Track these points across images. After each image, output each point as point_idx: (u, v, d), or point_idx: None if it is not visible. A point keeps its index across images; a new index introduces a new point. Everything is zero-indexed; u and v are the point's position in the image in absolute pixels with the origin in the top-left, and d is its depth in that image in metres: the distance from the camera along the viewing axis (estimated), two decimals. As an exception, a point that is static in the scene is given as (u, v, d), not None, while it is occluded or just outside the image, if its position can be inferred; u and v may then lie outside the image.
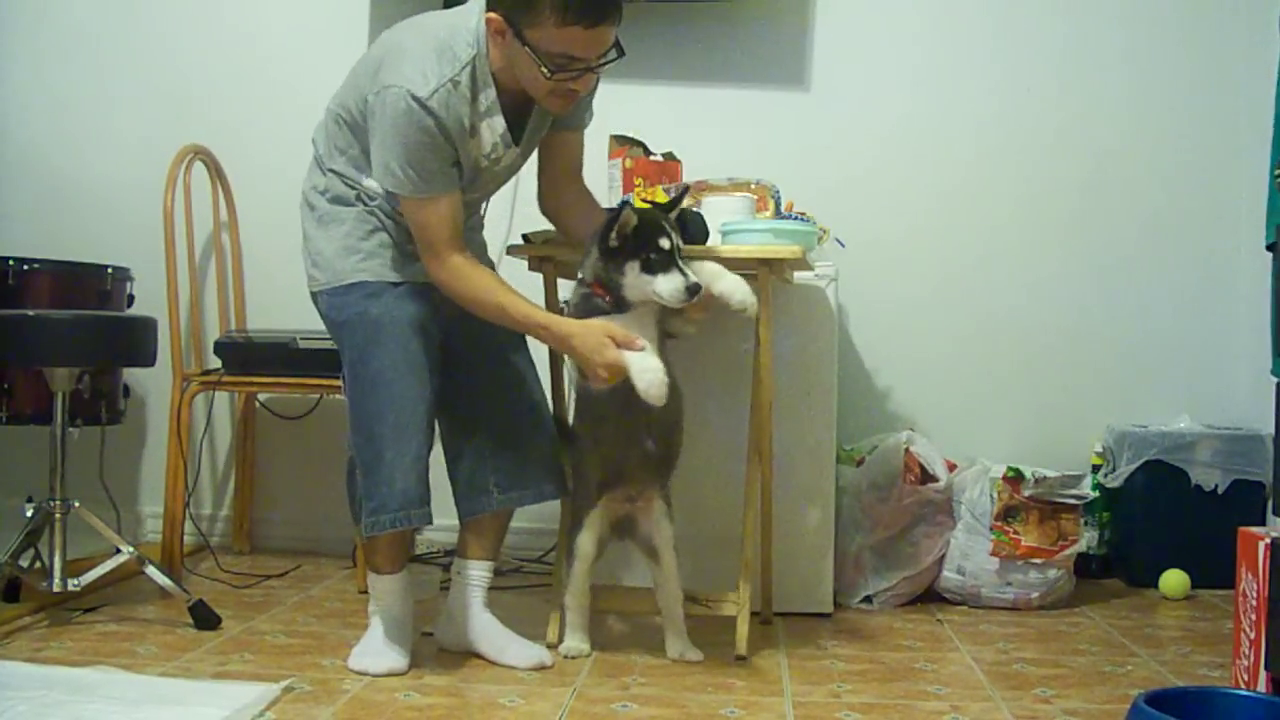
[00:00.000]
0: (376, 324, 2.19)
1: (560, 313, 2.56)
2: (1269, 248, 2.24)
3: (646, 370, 2.10)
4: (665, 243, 2.13)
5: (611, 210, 2.23)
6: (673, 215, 2.23)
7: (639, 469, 2.29)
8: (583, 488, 2.35)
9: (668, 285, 2.13)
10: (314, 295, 2.29)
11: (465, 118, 2.11)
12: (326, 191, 2.26)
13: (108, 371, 2.97)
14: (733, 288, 2.20)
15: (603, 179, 2.75)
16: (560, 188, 2.37)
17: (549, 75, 2.05)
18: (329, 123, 2.25)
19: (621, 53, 2.11)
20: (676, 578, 2.36)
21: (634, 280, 2.15)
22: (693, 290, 2.12)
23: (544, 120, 2.28)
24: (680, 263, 2.14)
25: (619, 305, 2.19)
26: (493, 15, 2.05)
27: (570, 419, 2.48)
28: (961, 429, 3.27)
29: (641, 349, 2.12)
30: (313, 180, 2.30)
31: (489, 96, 2.14)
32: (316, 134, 2.30)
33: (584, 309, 2.22)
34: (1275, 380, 2.30)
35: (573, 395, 2.46)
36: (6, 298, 2.86)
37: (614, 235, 2.15)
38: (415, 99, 2.03)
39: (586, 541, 2.33)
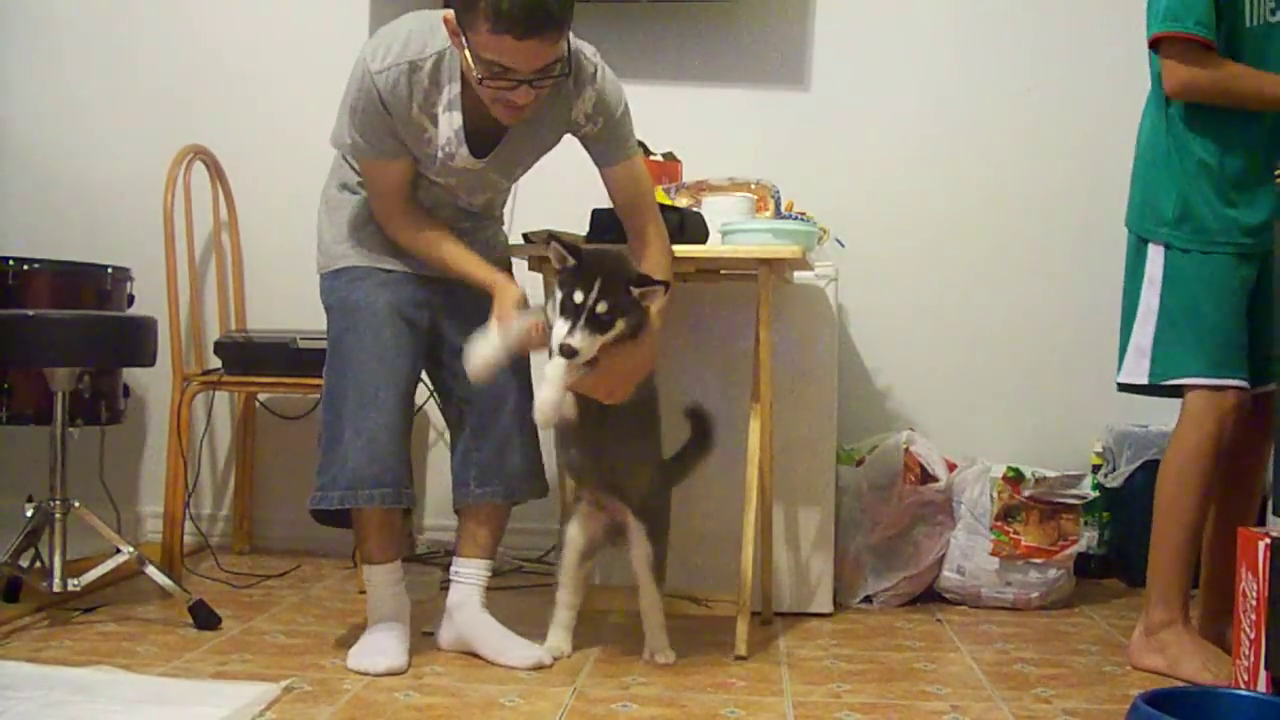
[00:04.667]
0: (355, 308, 2.26)
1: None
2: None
3: (474, 344, 2.15)
4: (578, 297, 2.07)
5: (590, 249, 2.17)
6: (642, 290, 2.12)
7: (582, 473, 2.32)
8: (572, 477, 2.39)
9: (555, 333, 2.09)
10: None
11: (416, 103, 2.15)
12: (337, 179, 2.34)
13: (108, 371, 2.96)
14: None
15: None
16: (625, 221, 2.35)
17: (480, 80, 2.05)
18: None
19: (566, 71, 2.10)
20: (654, 595, 2.34)
21: (552, 309, 2.14)
22: (564, 351, 2.05)
23: (528, 141, 2.27)
24: (582, 322, 2.06)
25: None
26: (448, 15, 2.07)
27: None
28: (961, 429, 3.27)
29: (503, 324, 2.16)
30: (331, 169, 2.38)
31: (453, 91, 2.16)
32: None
33: None
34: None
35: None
36: (6, 298, 2.86)
37: (553, 260, 2.14)
38: (367, 68, 2.13)
39: (573, 530, 2.36)
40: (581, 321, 2.07)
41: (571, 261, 2.11)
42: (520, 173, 2.36)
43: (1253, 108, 2.23)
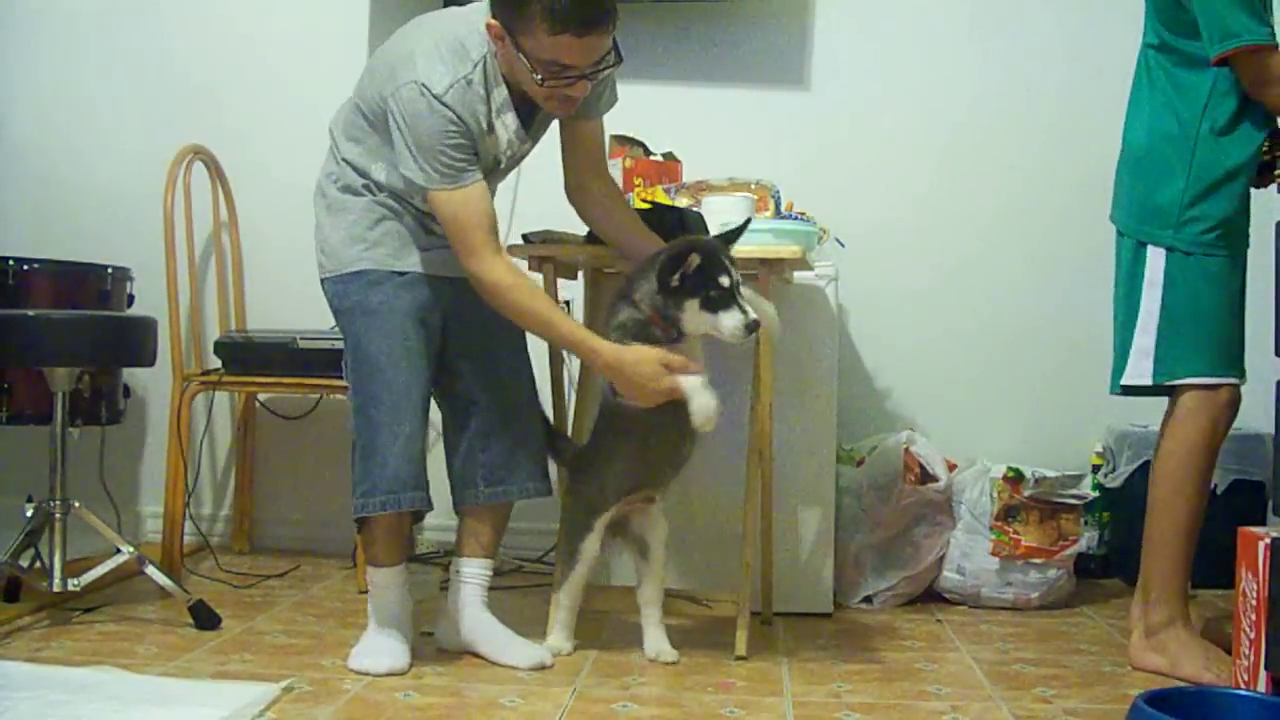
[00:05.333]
0: (375, 312, 2.24)
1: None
2: None
3: (703, 400, 2.14)
4: (725, 280, 2.11)
5: (673, 246, 2.18)
6: (730, 246, 2.20)
7: (669, 471, 2.33)
8: (598, 494, 2.32)
9: (729, 323, 2.12)
10: (322, 281, 2.32)
11: (481, 116, 2.15)
12: (338, 180, 2.30)
13: (108, 371, 2.96)
14: (768, 319, 2.27)
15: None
16: (582, 178, 2.37)
17: (540, 83, 2.07)
18: (348, 111, 2.28)
19: (619, 59, 2.13)
20: (663, 575, 2.37)
21: (693, 316, 2.14)
22: (751, 327, 2.12)
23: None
24: (739, 298, 2.13)
25: (676, 336, 2.20)
26: (492, 22, 2.08)
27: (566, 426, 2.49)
28: (961, 429, 3.26)
29: (698, 373, 2.16)
30: (327, 168, 2.34)
31: (501, 94, 2.17)
32: (333, 122, 2.33)
33: (638, 335, 2.20)
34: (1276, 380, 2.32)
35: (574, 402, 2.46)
36: (6, 298, 2.86)
37: (677, 276, 2.13)
38: (431, 94, 2.07)
39: (594, 544, 2.33)
40: (740, 298, 2.13)
41: (699, 261, 2.12)
42: (544, 133, 2.37)
43: None
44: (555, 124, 2.34)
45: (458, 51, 2.12)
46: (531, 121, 2.26)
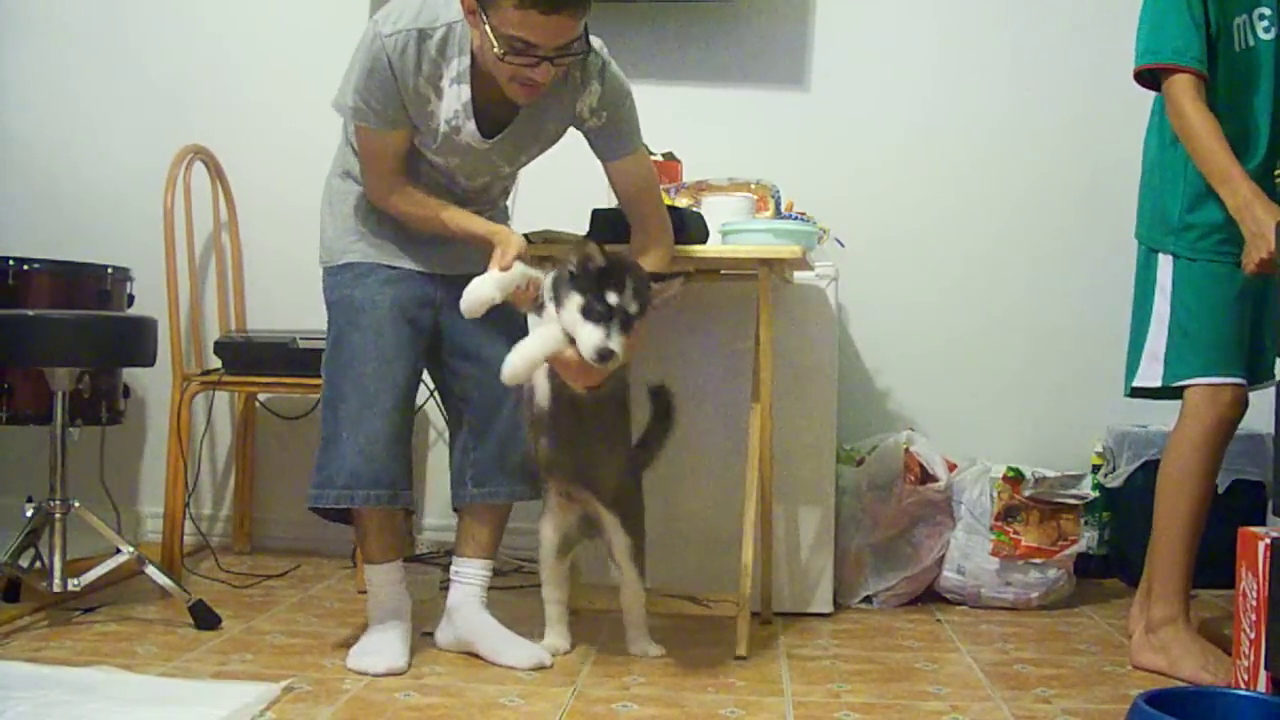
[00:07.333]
0: (358, 308, 2.25)
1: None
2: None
3: (474, 283, 2.11)
4: (613, 299, 2.05)
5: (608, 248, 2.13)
6: (660, 285, 2.13)
7: (548, 465, 2.31)
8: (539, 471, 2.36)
9: (587, 337, 2.04)
10: (322, 272, 2.36)
11: (423, 73, 2.15)
12: (341, 165, 2.33)
13: (108, 371, 2.96)
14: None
15: (604, 178, 2.74)
16: (630, 217, 2.35)
17: (501, 56, 2.04)
18: None
19: (586, 49, 2.11)
20: (637, 586, 2.36)
21: (569, 312, 2.07)
22: (603, 354, 2.03)
23: (534, 128, 2.27)
24: (613, 324, 2.04)
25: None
26: None
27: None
28: (961, 429, 3.27)
29: (503, 269, 2.12)
30: (335, 155, 2.37)
31: (462, 64, 2.16)
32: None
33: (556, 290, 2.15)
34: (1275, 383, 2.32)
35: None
36: (6, 298, 2.86)
37: (577, 263, 2.09)
38: (377, 30, 2.13)
39: (546, 527, 2.37)
40: (617, 324, 2.05)
41: (602, 262, 2.07)
42: (524, 160, 2.35)
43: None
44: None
45: (426, 8, 2.14)
46: (500, 125, 2.23)
